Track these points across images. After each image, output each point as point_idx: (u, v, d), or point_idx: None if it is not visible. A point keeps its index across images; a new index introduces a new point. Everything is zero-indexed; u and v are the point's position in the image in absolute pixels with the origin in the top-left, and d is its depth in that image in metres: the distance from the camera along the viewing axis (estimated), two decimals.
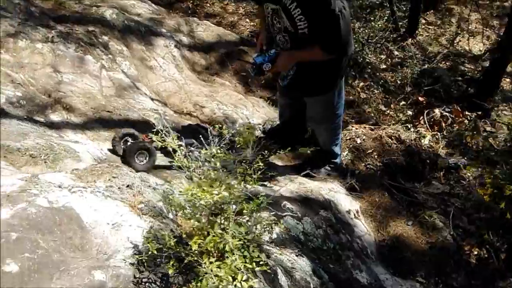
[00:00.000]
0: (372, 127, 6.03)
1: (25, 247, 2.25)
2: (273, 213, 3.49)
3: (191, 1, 9.33)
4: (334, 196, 4.52)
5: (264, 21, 4.35)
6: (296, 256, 3.41)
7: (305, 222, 3.91)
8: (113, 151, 4.03)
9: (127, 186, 3.01)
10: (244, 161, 2.84)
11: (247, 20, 9.12)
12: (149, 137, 3.88)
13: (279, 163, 5.09)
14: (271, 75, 6.46)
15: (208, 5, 9.52)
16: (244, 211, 2.67)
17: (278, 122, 5.46)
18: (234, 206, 2.53)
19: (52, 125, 4.08)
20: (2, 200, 2.58)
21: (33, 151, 3.44)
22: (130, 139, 4.04)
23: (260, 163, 2.79)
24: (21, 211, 2.49)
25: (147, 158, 3.83)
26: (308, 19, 3.82)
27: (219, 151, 2.84)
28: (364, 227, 4.52)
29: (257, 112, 5.94)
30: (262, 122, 5.70)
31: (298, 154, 5.24)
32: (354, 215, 4.55)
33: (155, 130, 3.01)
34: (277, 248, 3.28)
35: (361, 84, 7.63)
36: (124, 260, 2.39)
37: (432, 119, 6.57)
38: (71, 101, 4.48)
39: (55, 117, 4.23)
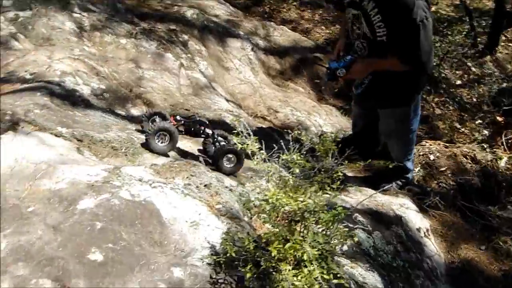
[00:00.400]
0: (447, 144, 5.86)
1: (108, 238, 2.31)
2: (345, 224, 3.44)
3: (268, 6, 9.35)
4: (405, 212, 4.42)
5: (345, 27, 4.30)
6: (367, 270, 3.35)
7: (375, 236, 3.84)
8: (141, 130, 4.00)
9: (205, 185, 3.04)
10: (323, 170, 2.81)
11: (323, 27, 9.06)
12: (175, 119, 3.90)
13: (349, 173, 5.02)
14: (344, 83, 6.41)
15: (285, 10, 9.51)
16: (320, 220, 2.64)
17: (350, 132, 5.40)
18: (313, 215, 2.51)
19: (133, 119, 4.17)
20: (87, 189, 2.66)
21: (115, 143, 3.53)
22: (157, 119, 3.97)
23: (340, 173, 2.75)
24: (105, 201, 2.56)
25: (167, 141, 3.71)
26: (388, 26, 3.74)
27: (299, 157, 2.82)
28: (434, 247, 4.39)
29: (330, 121, 5.88)
30: (334, 131, 5.64)
31: (369, 166, 5.16)
32: (424, 233, 4.43)
33: (235, 131, 3.02)
34: (349, 261, 3.23)
35: (436, 99, 7.44)
36: (201, 259, 2.40)
37: (510, 141, 6.33)
38: (151, 97, 4.57)
39: (135, 111, 4.33)
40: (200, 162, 3.86)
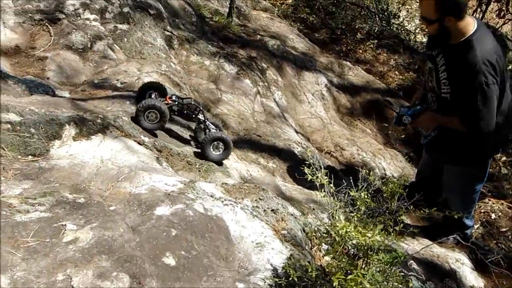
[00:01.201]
0: (510, 205, 5.80)
1: (182, 245, 2.47)
2: (400, 269, 3.50)
3: (345, 45, 9.50)
4: (460, 267, 4.41)
5: (423, 78, 4.38)
6: None
7: (428, 286, 3.87)
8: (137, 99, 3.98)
9: (272, 210, 3.17)
10: (387, 212, 2.90)
11: (397, 72, 9.12)
12: (171, 98, 3.97)
13: (407, 220, 5.05)
14: (412, 131, 6.45)
15: (361, 51, 9.63)
16: (380, 260, 2.72)
17: (413, 180, 5.43)
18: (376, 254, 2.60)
19: None
20: (164, 197, 2.85)
21: (190, 158, 3.73)
22: (154, 94, 3.98)
23: (404, 217, 2.84)
24: (180, 211, 2.73)
25: (157, 119, 3.77)
26: (451, 84, 3.75)
27: (366, 196, 2.92)
28: None
29: (394, 165, 5.93)
30: (397, 176, 5.68)
31: (428, 216, 5.16)
32: None
33: (307, 163, 3.16)
34: None
35: (504, 158, 7.35)
36: (263, 280, 2.53)
37: None
38: (226, 118, 4.78)
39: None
40: (191, 145, 4.06)
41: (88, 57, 4.47)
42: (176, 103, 3.98)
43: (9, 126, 3.02)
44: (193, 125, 4.24)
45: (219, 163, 3.94)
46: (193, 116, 4.06)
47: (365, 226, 2.51)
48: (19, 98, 3.45)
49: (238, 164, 4.17)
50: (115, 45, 4.76)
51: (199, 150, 3.93)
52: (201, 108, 4.08)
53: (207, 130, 4.03)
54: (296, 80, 6.55)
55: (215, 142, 3.89)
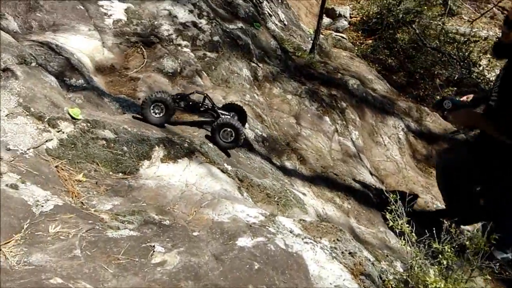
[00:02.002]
0: None
1: (263, 280, 2.46)
2: None
3: (422, 89, 9.38)
4: None
5: None
6: None
7: None
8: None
9: (350, 253, 3.12)
10: (471, 269, 2.81)
11: None
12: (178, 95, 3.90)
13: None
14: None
15: (438, 97, 9.49)
16: None
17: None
18: None
19: (286, 171, 4.38)
20: (246, 228, 2.86)
21: (269, 190, 3.74)
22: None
23: (488, 276, 2.74)
24: (262, 244, 2.73)
25: (163, 112, 3.71)
26: (501, 93, 3.72)
27: (449, 250, 2.84)
28: None
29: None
30: (471, 229, 5.50)
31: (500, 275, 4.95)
32: None
33: (389, 209, 3.11)
34: None
35: None
36: None
37: None
38: (305, 154, 4.78)
39: (289, 164, 4.54)
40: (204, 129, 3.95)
41: (177, 81, 4.59)
42: (180, 98, 3.91)
43: (104, 142, 3.13)
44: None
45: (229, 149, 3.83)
46: (200, 105, 3.96)
47: (457, 283, 2.43)
48: (113, 116, 3.57)
49: (314, 201, 4.14)
50: (203, 71, 4.87)
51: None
52: (206, 94, 3.96)
53: (217, 117, 3.90)
54: (373, 122, 6.50)
55: (224, 129, 3.77)
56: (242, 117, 4.05)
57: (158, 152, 3.32)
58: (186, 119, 4.08)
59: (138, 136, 3.31)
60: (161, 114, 3.70)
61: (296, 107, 5.40)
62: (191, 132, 3.83)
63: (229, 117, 3.89)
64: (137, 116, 3.69)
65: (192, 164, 3.39)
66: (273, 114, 5.07)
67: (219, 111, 3.95)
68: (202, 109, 3.96)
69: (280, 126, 4.98)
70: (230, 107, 4.07)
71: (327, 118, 5.65)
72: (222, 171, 3.53)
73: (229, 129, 3.77)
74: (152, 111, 3.67)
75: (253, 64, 5.50)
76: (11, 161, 2.57)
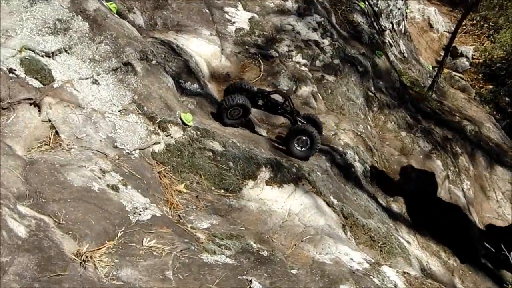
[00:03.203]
0: None
1: None
2: None
3: None
4: None
5: None
6: None
7: None
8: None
9: None
10: None
11: None
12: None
13: None
14: None
15: None
16: None
17: None
18: None
19: (391, 214, 4.07)
20: (348, 275, 2.58)
21: (374, 233, 3.43)
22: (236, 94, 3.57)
23: None
24: None
25: (239, 114, 3.50)
26: None
27: None
28: None
29: None
30: None
31: None
32: None
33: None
34: None
35: None
36: None
37: None
38: (412, 198, 4.44)
39: (395, 206, 4.23)
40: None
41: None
42: (260, 95, 3.67)
43: (211, 154, 2.95)
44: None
45: (305, 159, 3.53)
46: (279, 107, 3.70)
47: None
48: (223, 127, 3.40)
49: (419, 253, 3.80)
50: (318, 94, 4.65)
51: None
52: (289, 97, 3.70)
53: (293, 123, 3.63)
54: (487, 173, 6.01)
55: (300, 136, 3.48)
56: (318, 130, 3.73)
57: (265, 173, 3.10)
58: None
59: (246, 153, 3.12)
60: (237, 117, 3.53)
61: (409, 146, 5.05)
62: None
63: (306, 124, 3.63)
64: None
65: (298, 192, 3.15)
66: (384, 150, 4.75)
67: (297, 117, 3.68)
68: (280, 111, 3.73)
69: (389, 164, 4.65)
70: (307, 118, 3.79)
71: (439, 162, 5.26)
72: (328, 204, 3.26)
73: (304, 137, 3.49)
74: (229, 114, 3.49)
75: (370, 94, 5.20)
76: (116, 159, 2.44)
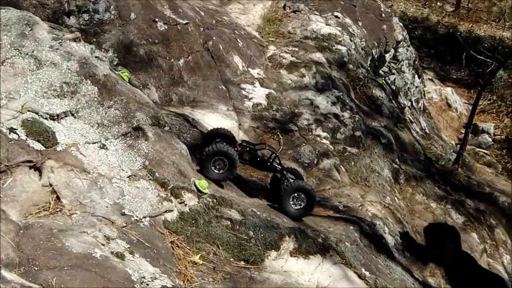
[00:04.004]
0: None
1: None
2: None
3: None
4: None
5: None
6: None
7: None
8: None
9: None
10: None
11: None
12: (241, 145, 3.36)
13: None
14: None
15: None
16: None
17: None
18: None
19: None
20: None
21: None
22: (219, 142, 3.29)
23: None
24: None
25: (226, 167, 3.06)
26: None
27: None
28: None
29: None
30: None
31: None
32: None
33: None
34: None
35: None
36: None
37: None
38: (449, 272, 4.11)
39: (432, 281, 3.94)
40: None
41: (313, 173, 4.18)
42: (248, 149, 3.39)
43: (229, 223, 2.72)
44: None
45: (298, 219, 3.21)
46: (268, 164, 3.44)
47: None
48: (242, 197, 3.18)
49: None
50: (341, 166, 4.45)
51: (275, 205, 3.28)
52: (277, 154, 3.45)
53: (285, 180, 3.34)
54: None
55: (296, 194, 3.20)
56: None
57: (288, 244, 2.85)
58: None
59: (267, 222, 2.88)
60: (223, 170, 3.11)
61: (440, 217, 4.77)
62: (326, 227, 3.33)
63: (300, 181, 3.41)
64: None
65: (326, 263, 2.88)
66: (414, 222, 4.48)
67: (287, 174, 3.43)
68: (268, 167, 3.47)
69: (422, 236, 4.36)
70: (291, 171, 3.54)
71: (474, 235, 4.95)
72: (359, 276, 2.97)
73: (303, 195, 3.23)
74: (212, 165, 3.08)
75: (395, 165, 4.98)
76: (123, 227, 2.22)
